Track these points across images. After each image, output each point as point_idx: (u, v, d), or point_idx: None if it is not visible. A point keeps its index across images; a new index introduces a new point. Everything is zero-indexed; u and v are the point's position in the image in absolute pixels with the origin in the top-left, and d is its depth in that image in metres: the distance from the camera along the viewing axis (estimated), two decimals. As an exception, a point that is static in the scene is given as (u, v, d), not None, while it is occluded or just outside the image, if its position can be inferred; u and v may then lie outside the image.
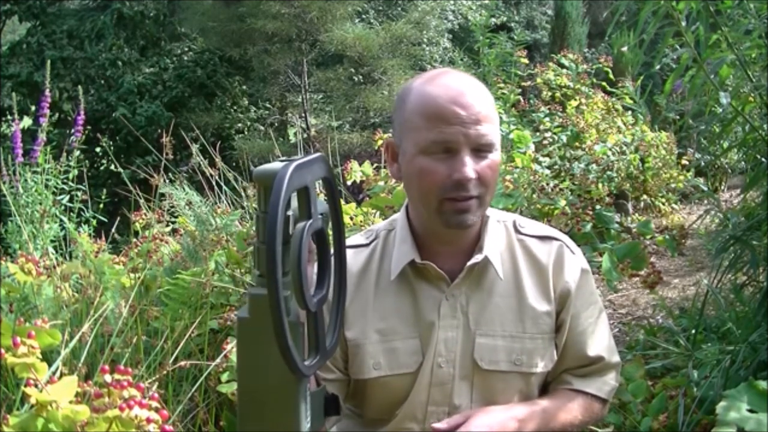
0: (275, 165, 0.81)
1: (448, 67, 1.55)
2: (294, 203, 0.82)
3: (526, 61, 4.81)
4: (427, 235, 1.34)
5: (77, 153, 3.71)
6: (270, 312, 0.74)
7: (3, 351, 1.11)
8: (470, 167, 1.23)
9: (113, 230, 3.10)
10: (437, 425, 1.25)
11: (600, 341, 1.40)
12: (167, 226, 2.99)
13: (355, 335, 1.34)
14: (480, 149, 1.25)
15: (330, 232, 0.91)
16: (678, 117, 5.32)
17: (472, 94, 1.26)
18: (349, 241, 1.42)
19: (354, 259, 1.37)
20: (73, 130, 3.87)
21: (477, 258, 1.32)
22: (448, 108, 1.23)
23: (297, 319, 0.83)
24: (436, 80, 1.29)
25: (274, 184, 0.74)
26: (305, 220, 0.80)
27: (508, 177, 3.01)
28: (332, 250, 0.90)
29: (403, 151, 1.30)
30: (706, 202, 5.17)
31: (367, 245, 1.40)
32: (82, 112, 3.93)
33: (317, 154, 0.84)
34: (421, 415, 1.33)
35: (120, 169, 3.35)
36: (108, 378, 1.13)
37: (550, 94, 5.01)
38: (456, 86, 1.26)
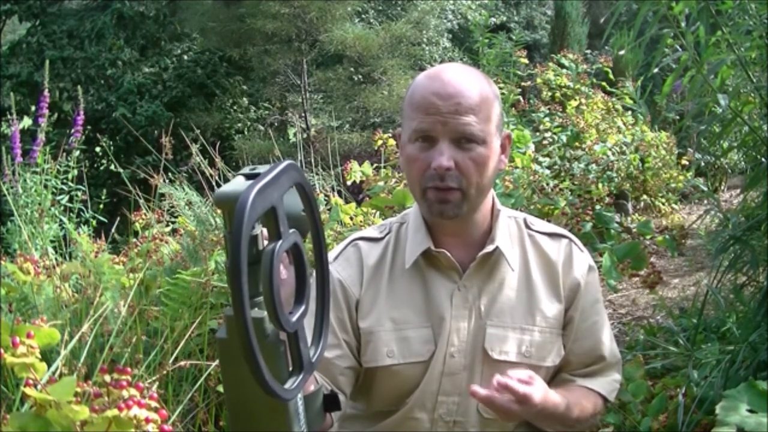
0: (237, 186, 0.74)
1: (458, 63, 1.57)
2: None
3: (525, 61, 4.81)
4: (435, 225, 1.36)
5: (77, 153, 3.70)
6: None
7: (2, 351, 1.11)
8: (447, 156, 1.25)
9: (113, 230, 3.10)
10: (504, 379, 1.19)
11: (605, 339, 1.41)
12: (167, 226, 2.99)
13: (370, 323, 1.35)
14: (461, 140, 1.26)
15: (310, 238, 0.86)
16: (678, 117, 5.31)
17: (459, 85, 1.27)
18: (363, 233, 1.45)
19: (369, 252, 1.40)
20: (72, 130, 3.86)
21: (489, 248, 1.33)
22: (428, 98, 1.27)
23: (277, 338, 0.79)
24: (432, 72, 1.33)
25: (236, 213, 0.68)
26: (275, 240, 0.75)
27: (508, 177, 3.00)
28: (312, 256, 0.85)
29: (401, 139, 1.35)
30: (706, 202, 5.16)
31: (381, 239, 1.42)
32: (81, 113, 3.92)
33: (285, 163, 0.76)
34: (431, 405, 1.34)
35: (120, 169, 3.35)
36: (107, 378, 1.12)
37: (550, 94, 5.01)
38: (444, 78, 1.29)
